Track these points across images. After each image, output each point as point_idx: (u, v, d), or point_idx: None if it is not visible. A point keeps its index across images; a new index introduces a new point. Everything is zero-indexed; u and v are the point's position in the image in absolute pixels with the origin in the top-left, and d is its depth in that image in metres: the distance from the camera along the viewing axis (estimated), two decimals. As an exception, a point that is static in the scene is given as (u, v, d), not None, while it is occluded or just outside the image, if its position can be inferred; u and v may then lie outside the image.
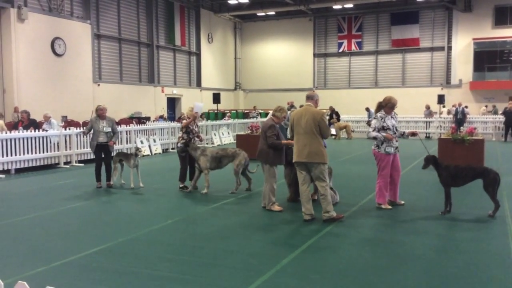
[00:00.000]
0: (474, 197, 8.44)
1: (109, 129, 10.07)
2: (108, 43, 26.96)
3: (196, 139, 9.83)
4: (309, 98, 7.21)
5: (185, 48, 32.96)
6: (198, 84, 34.38)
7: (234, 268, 5.17)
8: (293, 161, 7.12)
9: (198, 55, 34.34)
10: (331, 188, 8.37)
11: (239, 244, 6.03)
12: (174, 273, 5.04)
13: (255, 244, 6.02)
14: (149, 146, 16.85)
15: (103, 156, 10.20)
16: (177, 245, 6.07)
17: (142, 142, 16.65)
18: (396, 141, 7.86)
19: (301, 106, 7.57)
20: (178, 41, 31.81)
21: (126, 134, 16.32)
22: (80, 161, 14.50)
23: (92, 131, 10.10)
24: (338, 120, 25.55)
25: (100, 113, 10.12)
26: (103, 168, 10.24)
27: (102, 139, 10.04)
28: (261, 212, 7.82)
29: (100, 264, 5.33)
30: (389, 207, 7.87)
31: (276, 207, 7.79)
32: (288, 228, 6.90)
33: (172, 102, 31.78)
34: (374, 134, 7.74)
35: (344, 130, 24.53)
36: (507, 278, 4.80)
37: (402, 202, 8.13)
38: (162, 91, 30.67)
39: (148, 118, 25.16)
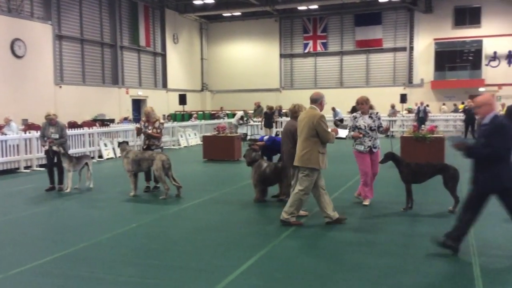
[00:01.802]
0: (435, 193, 8.66)
1: (57, 136, 9.99)
2: (70, 44, 26.34)
3: (153, 141, 9.78)
4: (312, 100, 6.82)
5: (150, 48, 32.56)
6: (164, 85, 34.02)
7: (199, 270, 5.14)
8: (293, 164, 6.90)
9: (163, 55, 33.98)
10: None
11: (204, 246, 5.99)
12: (138, 277, 4.96)
13: (221, 246, 6.00)
14: (113, 149, 16.54)
15: (55, 161, 10.14)
16: (141, 249, 5.98)
17: (105, 145, 16.34)
18: (370, 140, 7.92)
19: (269, 107, 7.50)
20: (142, 42, 31.39)
21: (89, 136, 15.98)
22: (41, 165, 14.10)
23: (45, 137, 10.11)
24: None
25: (49, 120, 10.05)
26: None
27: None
28: (227, 214, 7.80)
29: (62, 270, 5.19)
30: (366, 203, 7.98)
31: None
32: (254, 228, 6.90)
33: (138, 104, 31.32)
34: (345, 133, 7.90)
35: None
36: (466, 275, 4.94)
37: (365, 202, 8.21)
38: (127, 92, 30.20)
39: (112, 120, 24.72)
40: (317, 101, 6.80)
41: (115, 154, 16.49)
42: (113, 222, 7.32)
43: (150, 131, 9.72)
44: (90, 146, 15.86)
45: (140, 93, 31.41)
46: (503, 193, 5.19)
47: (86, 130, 16.13)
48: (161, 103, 32.46)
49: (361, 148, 7.89)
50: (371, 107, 8.33)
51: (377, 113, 8.20)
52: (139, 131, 9.96)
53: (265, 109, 25.88)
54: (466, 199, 5.39)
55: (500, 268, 5.11)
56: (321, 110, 6.79)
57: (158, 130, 9.86)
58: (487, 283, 4.62)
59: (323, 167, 6.64)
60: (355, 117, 8.06)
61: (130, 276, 4.98)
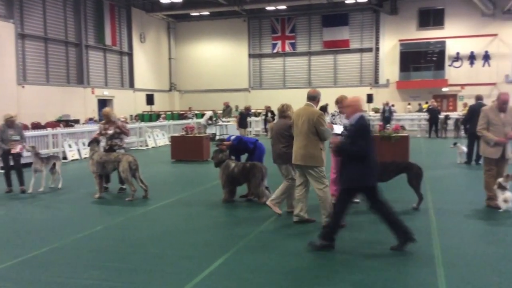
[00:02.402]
0: (400, 191, 8.81)
1: (18, 137, 9.91)
2: (33, 43, 25.64)
3: (116, 141, 9.67)
4: (310, 97, 6.79)
5: (116, 48, 32.03)
6: (131, 85, 33.53)
7: (166, 272, 5.07)
8: (292, 163, 6.84)
9: (130, 55, 33.48)
10: (266, 188, 8.45)
11: (171, 248, 5.92)
12: (102, 281, 4.86)
13: (188, 247, 5.94)
14: (78, 150, 16.17)
15: (13, 163, 9.99)
16: (106, 251, 5.86)
17: (70, 146, 15.96)
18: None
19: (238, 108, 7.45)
20: (108, 41, 30.84)
21: (53, 137, 15.57)
22: (1, 168, 13.63)
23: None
24: (273, 119, 25.84)
25: (10, 122, 9.85)
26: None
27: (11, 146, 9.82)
28: (195, 215, 7.73)
29: (23, 275, 5.04)
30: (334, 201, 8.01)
31: (277, 209, 7.32)
32: (222, 229, 6.87)
33: (104, 104, 30.70)
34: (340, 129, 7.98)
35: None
36: (429, 268, 5.04)
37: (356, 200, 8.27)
38: (93, 92, 29.62)
39: (77, 121, 24.19)
40: (315, 98, 6.82)
41: (80, 155, 16.13)
42: (77, 225, 7.14)
43: (112, 132, 9.57)
44: (54, 148, 15.45)
45: (106, 93, 30.86)
46: (366, 191, 5.55)
47: (49, 131, 15.71)
48: (128, 103, 32.02)
49: (321, 146, 7.94)
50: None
51: None
52: (97, 137, 9.55)
53: (234, 109, 25.93)
54: (338, 195, 5.72)
55: (464, 274, 5.24)
56: (316, 108, 6.81)
57: (125, 129, 9.79)
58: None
59: (324, 164, 6.72)
60: (333, 115, 8.11)
61: (94, 280, 4.87)
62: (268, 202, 7.35)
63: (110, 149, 9.53)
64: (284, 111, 7.48)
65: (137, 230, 6.80)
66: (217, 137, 21.84)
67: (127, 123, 19.06)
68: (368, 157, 5.40)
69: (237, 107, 30.36)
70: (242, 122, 20.99)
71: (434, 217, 7.20)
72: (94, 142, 9.34)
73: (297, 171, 6.85)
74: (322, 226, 6.00)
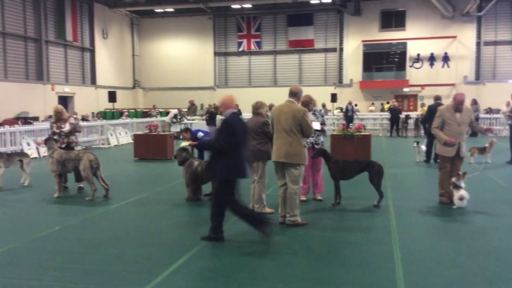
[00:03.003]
0: (361, 188, 8.98)
1: None
2: (-11, 37, 24.70)
3: (72, 138, 9.50)
4: (292, 94, 6.73)
5: (77, 43, 31.23)
6: (93, 81, 32.77)
7: (126, 272, 4.99)
8: (272, 160, 6.78)
9: (92, 51, 32.70)
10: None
11: (132, 248, 5.82)
12: (61, 282, 4.74)
13: (149, 247, 5.86)
14: (37, 148, 15.70)
15: None
16: (65, 252, 5.70)
17: (28, 144, 15.47)
18: (313, 136, 7.97)
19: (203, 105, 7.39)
20: (69, 36, 30.01)
21: (10, 135, 15.06)
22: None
23: None
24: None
25: None
26: None
27: None
28: (157, 214, 7.64)
29: (-26, 278, 4.84)
30: (303, 198, 8.06)
31: (268, 209, 7.39)
32: (184, 228, 6.81)
33: (64, 101, 29.90)
34: (318, 125, 8.03)
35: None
36: (388, 264, 5.15)
37: (319, 197, 8.36)
38: (53, 89, 28.77)
39: (36, 118, 23.46)
40: (296, 94, 6.77)
41: (38, 153, 15.66)
42: (34, 225, 6.93)
43: (68, 129, 9.36)
44: (11, 146, 14.95)
45: (67, 89, 30.04)
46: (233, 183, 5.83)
47: (7, 128, 15.20)
48: (89, 100, 31.30)
49: (304, 143, 7.99)
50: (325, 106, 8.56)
51: (320, 110, 8.50)
52: (51, 137, 9.26)
53: (199, 108, 25.77)
54: (215, 188, 6.00)
55: (423, 274, 5.37)
56: (298, 104, 6.76)
57: (77, 126, 9.63)
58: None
59: (306, 162, 6.70)
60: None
61: (52, 281, 4.74)
62: (257, 210, 7.34)
63: (67, 147, 9.30)
64: (257, 108, 7.46)
65: (97, 230, 6.66)
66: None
67: (79, 120, 18.77)
68: (234, 152, 5.70)
69: (202, 105, 30.20)
70: (211, 120, 20.92)
71: (393, 214, 7.37)
72: (51, 140, 9.08)
73: (277, 171, 6.76)
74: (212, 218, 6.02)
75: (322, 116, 8.37)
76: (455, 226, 6.77)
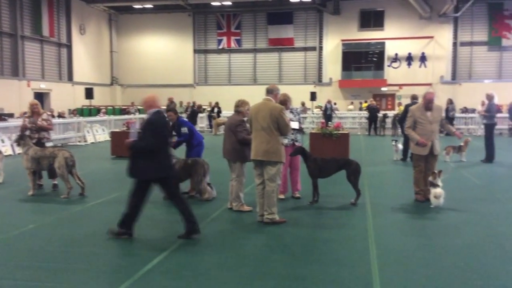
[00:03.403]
0: (339, 186, 9.05)
1: None
2: (-38, 31, 24.08)
3: (44, 133, 9.33)
4: (268, 91, 6.75)
5: (54, 39, 30.70)
6: (70, 78, 32.26)
7: (101, 271, 4.92)
8: (251, 158, 6.75)
9: (69, 47, 32.20)
10: (209, 184, 8.40)
11: (108, 247, 5.75)
12: (35, 281, 4.65)
13: (126, 245, 5.79)
14: (12, 145, 15.37)
15: None
16: (39, 251, 5.59)
17: (3, 141, 15.14)
18: (293, 133, 8.01)
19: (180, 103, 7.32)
20: (46, 32, 29.50)
21: (-16, 132, 14.72)
22: None
23: None
24: (219, 116, 25.76)
25: None
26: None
27: None
28: (135, 211, 7.54)
29: None
30: (281, 196, 8.08)
31: (246, 208, 7.37)
32: (161, 227, 6.76)
33: (40, 97, 29.39)
34: (296, 124, 8.08)
35: (223, 126, 24.78)
36: (363, 261, 5.20)
37: (297, 195, 8.39)
38: (28, 85, 28.23)
39: (11, 115, 22.97)
40: (273, 92, 6.75)
41: (13, 150, 15.33)
42: (8, 223, 6.78)
43: (40, 123, 9.21)
44: (-16, 142, 14.61)
45: (43, 86, 29.52)
46: (161, 182, 5.89)
47: (-20, 125, 14.83)
48: (66, 96, 30.82)
49: (285, 141, 8.00)
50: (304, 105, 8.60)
51: (297, 108, 8.54)
52: (24, 128, 9.16)
53: (178, 105, 25.53)
54: (133, 186, 6.02)
55: (398, 271, 5.44)
56: (275, 102, 6.73)
57: (48, 122, 9.43)
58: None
59: (284, 159, 6.69)
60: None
61: (26, 281, 4.65)
62: (234, 209, 7.40)
63: (38, 142, 9.13)
64: (238, 106, 7.41)
65: (72, 229, 6.54)
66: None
67: (53, 117, 18.50)
68: (159, 151, 5.74)
69: (181, 103, 30.02)
70: (192, 118, 20.82)
71: (370, 211, 7.45)
72: (25, 137, 8.89)
73: (255, 169, 6.74)
74: (123, 214, 6.04)
75: (299, 114, 8.40)
76: (430, 223, 6.87)
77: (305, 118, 26.32)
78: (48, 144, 9.12)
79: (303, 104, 27.47)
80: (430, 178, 7.78)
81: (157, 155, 5.72)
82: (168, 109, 9.23)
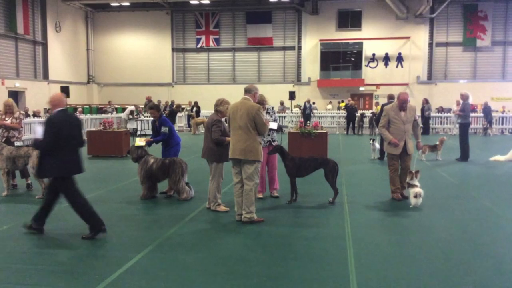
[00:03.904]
0: (318, 185, 9.10)
1: None
2: None
3: (14, 132, 9.23)
4: (246, 91, 6.76)
5: (29, 37, 30.07)
6: (45, 76, 31.65)
7: (76, 273, 4.84)
8: (229, 157, 6.71)
9: (44, 45, 31.58)
10: (187, 184, 8.35)
11: (83, 247, 5.66)
12: (7, 283, 4.55)
13: (101, 246, 5.71)
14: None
15: None
16: (12, 252, 5.48)
17: (-25, 141, 14.77)
18: (269, 134, 8.05)
19: (158, 101, 7.25)
20: (20, 29, 28.85)
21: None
22: None
23: None
24: (198, 115, 25.63)
25: None
26: None
27: None
28: (110, 212, 7.45)
29: None
30: (260, 196, 8.09)
31: (223, 208, 7.34)
32: (138, 227, 6.68)
33: (15, 96, 28.78)
34: (275, 125, 8.11)
35: (202, 125, 24.68)
36: (341, 259, 5.24)
37: (276, 194, 8.39)
38: (2, 83, 27.60)
39: (-16, 114, 22.42)
40: (251, 91, 6.74)
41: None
42: (-21, 226, 6.62)
43: (8, 122, 9.15)
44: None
45: (17, 84, 28.89)
46: (61, 180, 5.98)
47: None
48: (41, 95, 30.18)
49: (259, 140, 8.00)
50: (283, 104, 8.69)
51: (272, 108, 8.64)
52: None
53: (148, 104, 25.17)
54: (49, 183, 6.17)
55: (374, 269, 5.49)
56: (254, 101, 6.72)
57: (18, 120, 9.31)
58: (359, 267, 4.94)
59: (262, 158, 6.66)
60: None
61: (-4, 284, 4.54)
62: (212, 208, 7.38)
63: (7, 141, 9.03)
64: (217, 105, 7.39)
65: (47, 229, 6.39)
66: (138, 132, 21.32)
67: (28, 116, 18.21)
68: (62, 149, 5.82)
69: (159, 102, 29.76)
70: (171, 118, 20.65)
71: (347, 210, 7.51)
72: None
73: (233, 167, 6.73)
74: (40, 207, 6.17)
75: (275, 113, 8.54)
76: (406, 220, 6.96)
77: (284, 117, 26.41)
78: (18, 144, 8.98)
79: (281, 103, 27.54)
80: (408, 179, 7.90)
81: (59, 153, 5.81)
82: (150, 107, 9.13)
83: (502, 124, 24.61)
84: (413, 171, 7.89)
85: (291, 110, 28.38)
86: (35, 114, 22.30)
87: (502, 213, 7.35)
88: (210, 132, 7.20)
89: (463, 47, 33.18)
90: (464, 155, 13.31)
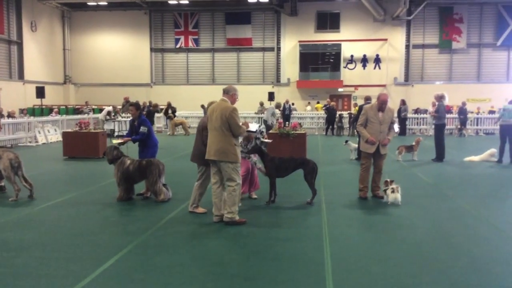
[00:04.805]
0: (297, 186, 9.12)
1: None
2: None
3: None
4: (224, 92, 6.69)
5: (3, 36, 29.46)
6: (21, 76, 31.04)
7: (51, 276, 4.75)
8: (205, 158, 6.64)
9: (19, 44, 30.97)
10: (164, 185, 8.27)
11: (57, 250, 5.55)
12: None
13: (76, 249, 5.61)
14: (-43, 146, 14.64)
15: None
16: (-18, 257, 5.34)
17: None
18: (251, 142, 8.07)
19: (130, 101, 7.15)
20: (-6, 28, 28.29)
21: None
22: None
23: None
24: (174, 116, 25.44)
25: None
26: None
27: None
28: (86, 215, 7.34)
29: None
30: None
31: (200, 209, 7.26)
32: (114, 229, 6.58)
33: (-11, 96, 28.19)
34: (255, 127, 8.17)
35: (181, 126, 24.54)
36: (318, 259, 5.25)
37: (254, 196, 8.38)
38: (-24, 83, 27.00)
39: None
40: (229, 92, 6.68)
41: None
42: (-51, 229, 6.44)
43: None
44: None
45: (-9, 84, 28.28)
46: None
47: None
48: (17, 95, 29.68)
49: (235, 142, 7.97)
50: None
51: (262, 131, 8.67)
52: None
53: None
54: None
55: (350, 269, 5.52)
56: (232, 103, 6.66)
57: None
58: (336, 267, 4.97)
59: (239, 160, 6.60)
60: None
61: (-34, 289, 4.42)
62: (190, 210, 7.31)
63: None
64: (209, 106, 7.30)
65: (21, 233, 6.29)
66: (116, 134, 21.07)
67: (2, 116, 17.89)
68: None
69: (137, 102, 29.51)
70: (149, 118, 20.44)
71: (325, 210, 7.55)
72: None
73: (211, 168, 6.70)
74: None
75: (263, 132, 8.63)
76: (383, 220, 7.02)
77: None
78: (3, 149, 8.72)
79: (261, 104, 27.55)
80: (384, 188, 8.09)
81: None
82: (131, 104, 8.99)
83: (477, 125, 25.09)
84: (389, 180, 8.05)
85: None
86: (10, 115, 21.82)
87: (477, 212, 7.49)
88: (202, 135, 7.11)
89: (439, 49, 33.75)
90: (440, 156, 13.51)
